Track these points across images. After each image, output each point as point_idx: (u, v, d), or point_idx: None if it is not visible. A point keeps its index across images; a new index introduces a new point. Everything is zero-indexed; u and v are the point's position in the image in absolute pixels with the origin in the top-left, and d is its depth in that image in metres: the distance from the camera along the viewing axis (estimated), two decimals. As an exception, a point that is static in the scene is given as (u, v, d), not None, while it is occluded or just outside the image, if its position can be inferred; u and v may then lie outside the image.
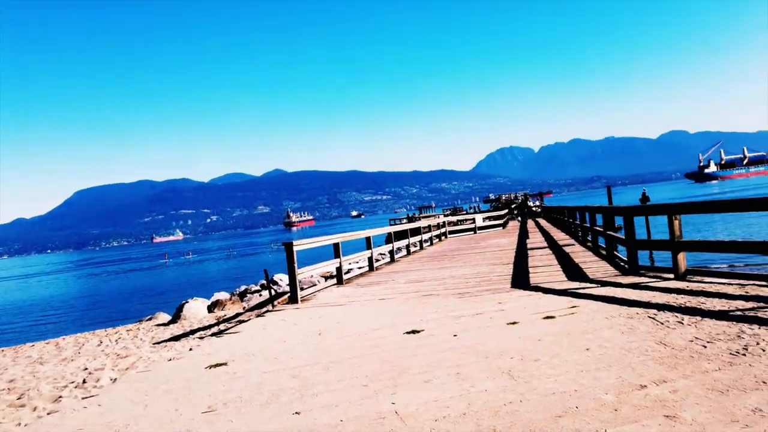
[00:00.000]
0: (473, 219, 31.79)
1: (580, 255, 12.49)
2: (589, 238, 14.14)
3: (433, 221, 26.85)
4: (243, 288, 21.27)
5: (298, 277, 9.74)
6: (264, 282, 20.00)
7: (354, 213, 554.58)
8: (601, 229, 11.68)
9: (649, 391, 3.29)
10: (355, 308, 8.25)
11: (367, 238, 14.50)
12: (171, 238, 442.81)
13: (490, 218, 35.35)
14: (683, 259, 7.05)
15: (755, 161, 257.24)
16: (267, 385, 4.39)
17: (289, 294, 10.02)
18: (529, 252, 14.33)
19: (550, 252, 13.85)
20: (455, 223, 38.35)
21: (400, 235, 27.21)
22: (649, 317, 5.20)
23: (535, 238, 20.12)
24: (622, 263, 9.81)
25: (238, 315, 13.66)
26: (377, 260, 15.92)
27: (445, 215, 53.94)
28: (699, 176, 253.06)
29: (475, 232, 29.58)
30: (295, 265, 9.63)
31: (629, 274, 8.37)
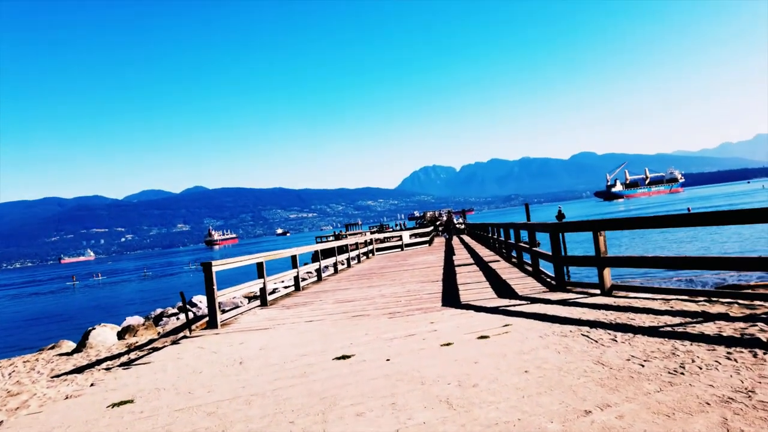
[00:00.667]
0: (400, 236, 31.87)
1: (507, 271, 12.64)
2: (515, 254, 14.41)
3: (360, 239, 26.62)
4: (158, 311, 19.88)
5: (219, 299, 9.07)
6: (181, 304, 18.79)
7: (279, 231, 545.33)
8: (527, 245, 11.93)
9: (594, 417, 3.13)
10: (281, 332, 7.73)
11: (293, 257, 13.97)
12: (81, 258, 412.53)
13: (416, 235, 35.63)
14: (608, 275, 7.19)
15: (655, 181, 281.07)
16: (178, 426, 3.86)
17: (207, 318, 9.29)
18: (457, 269, 14.37)
19: (478, 269, 13.95)
20: (382, 241, 38.37)
21: (327, 253, 26.70)
22: (583, 335, 5.15)
23: (461, 255, 20.35)
24: (548, 279, 9.98)
25: (151, 342, 12.58)
26: (303, 279, 15.36)
27: (371, 232, 53.95)
28: (607, 195, 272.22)
29: (402, 249, 29.64)
30: (215, 286, 8.96)
31: (557, 290, 8.46)
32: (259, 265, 11.33)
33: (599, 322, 5.59)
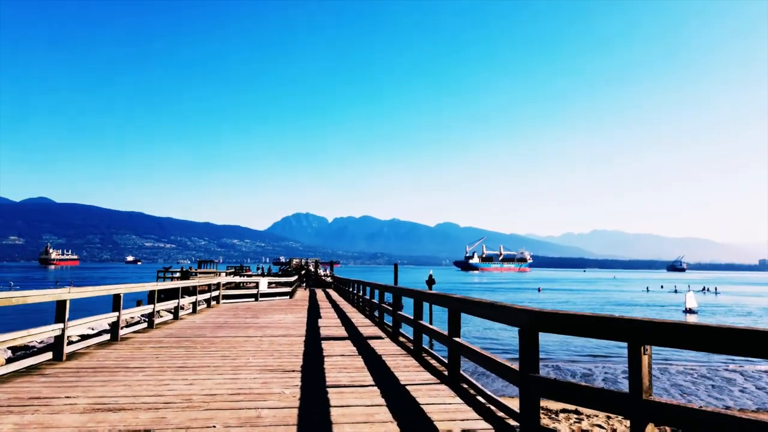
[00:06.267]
0: (257, 283, 26.72)
1: (391, 353, 8.95)
2: (389, 322, 10.71)
3: (208, 280, 21.26)
4: None
5: None
6: None
7: (130, 258, 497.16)
8: (412, 318, 8.87)
9: None
10: None
11: (115, 296, 8.72)
12: None
13: (277, 284, 30.67)
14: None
15: (508, 258, 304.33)
16: None
17: None
18: (325, 345, 10.08)
19: (353, 347, 9.81)
20: (236, 286, 32.73)
21: (161, 294, 20.92)
22: None
23: (328, 317, 16.12)
24: (437, 365, 7.73)
25: None
26: (82, 339, 10.08)
27: (226, 273, 47.47)
28: (465, 266, 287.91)
29: (257, 300, 24.55)
30: None
31: (449, 383, 6.56)
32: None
33: None
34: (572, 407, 11.11)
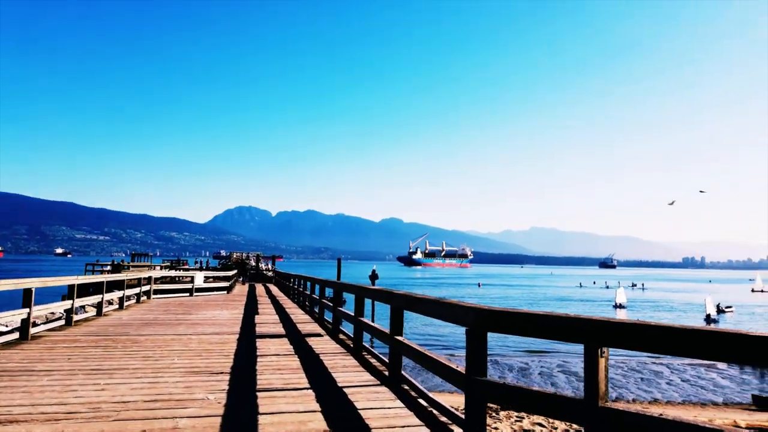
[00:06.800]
0: (192, 277, 25.47)
1: (330, 352, 8.55)
2: (330, 318, 10.34)
3: (137, 273, 20.00)
4: None
5: None
6: None
7: (59, 250, 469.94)
8: (353, 315, 8.72)
9: None
10: None
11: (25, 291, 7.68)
12: None
13: (214, 278, 29.46)
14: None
15: (450, 254, 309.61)
16: None
17: None
18: (260, 344, 9.49)
19: (290, 346, 9.29)
20: (170, 280, 31.20)
21: (85, 289, 19.50)
22: None
23: (266, 314, 15.45)
24: (378, 365, 7.37)
25: None
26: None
27: (162, 267, 45.38)
28: (408, 261, 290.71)
29: (192, 295, 23.42)
30: None
31: (390, 384, 6.15)
32: None
33: None
34: (512, 403, 11.05)
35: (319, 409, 5.03)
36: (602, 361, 3.04)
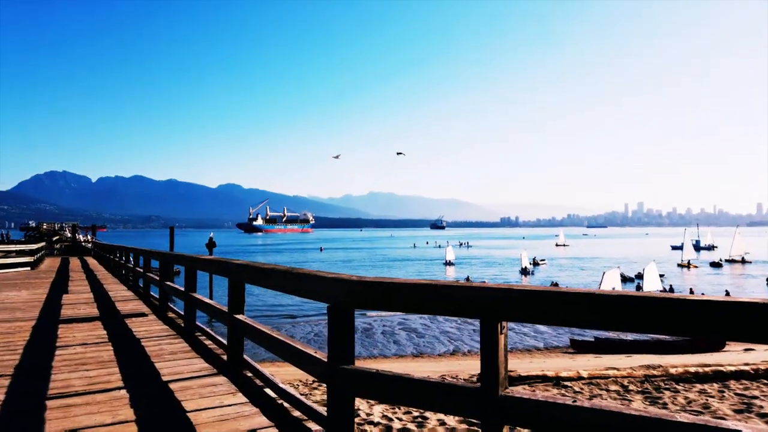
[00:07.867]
0: (-20, 253, 20.91)
1: (155, 335, 7.25)
2: (156, 293, 8.96)
3: None
4: None
5: None
6: None
7: None
8: (183, 290, 7.39)
9: None
10: None
11: None
12: None
13: (17, 252, 24.70)
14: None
15: (292, 220, 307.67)
16: None
17: None
18: (64, 331, 7.65)
19: (103, 331, 7.64)
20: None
21: None
22: None
23: (79, 292, 13.04)
24: (215, 348, 6.34)
25: None
26: None
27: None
28: (248, 227, 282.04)
29: (-21, 275, 19.25)
30: None
31: (230, 372, 5.13)
32: None
33: None
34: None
35: (133, 418, 3.83)
36: (502, 339, 2.44)
